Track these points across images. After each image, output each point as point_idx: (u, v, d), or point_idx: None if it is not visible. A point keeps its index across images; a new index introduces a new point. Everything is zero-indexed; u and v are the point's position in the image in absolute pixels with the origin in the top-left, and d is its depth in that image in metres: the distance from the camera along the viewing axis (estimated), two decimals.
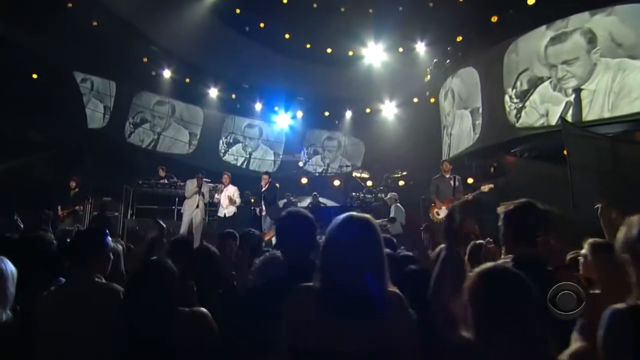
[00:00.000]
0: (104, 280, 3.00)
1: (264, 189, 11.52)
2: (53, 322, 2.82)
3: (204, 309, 2.70)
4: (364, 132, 20.77)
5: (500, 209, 2.75)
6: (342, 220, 2.24)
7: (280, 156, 20.96)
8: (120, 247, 3.87)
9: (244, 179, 13.90)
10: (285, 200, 14.59)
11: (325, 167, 21.12)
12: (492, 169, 14.56)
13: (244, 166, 20.19)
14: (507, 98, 14.20)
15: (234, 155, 20.60)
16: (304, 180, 17.19)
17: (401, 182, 14.98)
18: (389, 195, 12.72)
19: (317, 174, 20.45)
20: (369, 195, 14.19)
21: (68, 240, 4.15)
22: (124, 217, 13.55)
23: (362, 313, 2.03)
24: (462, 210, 2.31)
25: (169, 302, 2.56)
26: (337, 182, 15.87)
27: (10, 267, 2.74)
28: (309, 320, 2.13)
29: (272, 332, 2.16)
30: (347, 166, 17.87)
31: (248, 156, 20.55)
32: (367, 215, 2.29)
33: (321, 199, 16.54)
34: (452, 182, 10.64)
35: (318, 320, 2.10)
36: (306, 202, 16.20)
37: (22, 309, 2.83)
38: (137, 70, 17.36)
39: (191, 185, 11.49)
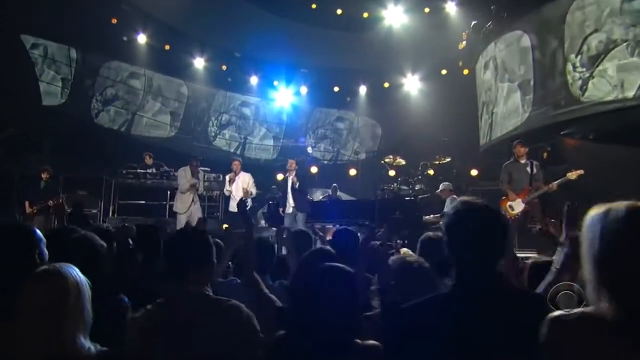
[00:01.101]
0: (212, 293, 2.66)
1: (291, 179, 10.26)
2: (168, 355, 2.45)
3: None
4: (381, 112, 18.69)
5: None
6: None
7: (281, 141, 18.91)
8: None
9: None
10: None
11: (335, 154, 19.27)
12: (544, 155, 12.93)
13: (237, 152, 17.90)
14: (569, 67, 12.24)
15: (226, 140, 18.48)
16: (314, 170, 14.88)
17: (430, 172, 13.07)
18: (441, 187, 11.23)
19: (325, 162, 18.14)
20: (404, 187, 12.62)
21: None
22: (104, 215, 12.38)
23: None
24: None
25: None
26: (353, 171, 14.43)
27: (83, 279, 2.27)
28: None
29: None
30: (365, 153, 16.63)
31: (243, 140, 18.44)
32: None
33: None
34: (528, 169, 9.60)
35: None
36: (318, 196, 14.50)
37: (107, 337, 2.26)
38: (104, 34, 15.10)
39: (184, 175, 10.32)
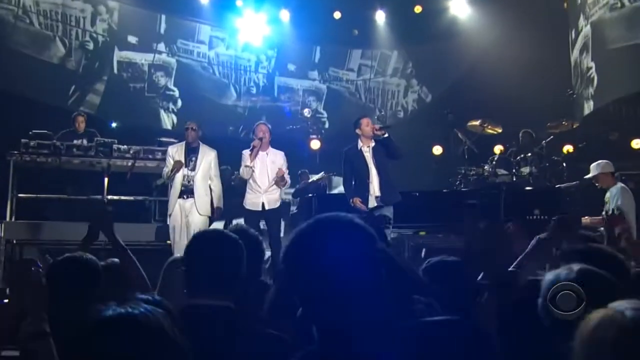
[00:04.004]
0: None
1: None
2: None
3: None
4: (411, 51, 13.71)
5: None
6: None
7: (255, 99, 13.38)
8: None
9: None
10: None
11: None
12: None
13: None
14: None
15: (171, 91, 12.61)
16: (315, 145, 11.17)
17: (499, 148, 9.91)
18: (597, 169, 7.46)
19: (324, 130, 12.99)
20: (503, 172, 9.02)
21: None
22: None
23: None
24: None
25: None
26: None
27: None
28: None
29: None
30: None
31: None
32: None
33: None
34: None
35: None
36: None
37: None
38: None
39: (175, 152, 7.07)
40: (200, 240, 2.27)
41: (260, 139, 7.08)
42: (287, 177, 7.19)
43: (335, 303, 1.37)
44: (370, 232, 1.43)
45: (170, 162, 6.98)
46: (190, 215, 6.84)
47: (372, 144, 6.71)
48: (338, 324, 1.37)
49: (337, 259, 1.35)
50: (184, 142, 7.08)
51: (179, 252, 5.44)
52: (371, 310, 1.37)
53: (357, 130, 6.83)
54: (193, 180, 6.92)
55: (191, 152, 6.97)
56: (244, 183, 8.36)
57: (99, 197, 8.33)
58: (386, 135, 6.70)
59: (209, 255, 2.16)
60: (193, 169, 6.92)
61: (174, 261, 2.89)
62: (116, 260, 2.77)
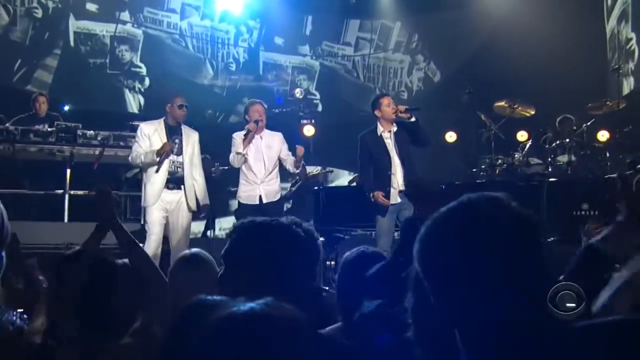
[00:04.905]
0: None
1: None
2: None
3: None
4: (416, 22, 12.39)
5: None
6: None
7: (235, 78, 12.06)
8: None
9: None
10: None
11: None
12: None
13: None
14: None
15: (137, 68, 11.20)
16: (309, 131, 9.84)
17: (522, 136, 9.13)
18: None
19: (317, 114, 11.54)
20: (537, 160, 8.36)
21: None
22: None
23: None
24: None
25: None
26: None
27: None
28: None
29: None
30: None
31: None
32: None
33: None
34: None
35: None
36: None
37: None
38: None
39: (154, 132, 6.24)
40: (251, 233, 1.98)
41: (257, 122, 6.42)
42: (291, 164, 6.64)
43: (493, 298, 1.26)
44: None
45: (145, 145, 6.06)
46: (177, 211, 6.05)
47: (394, 128, 6.10)
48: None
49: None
50: (162, 120, 6.18)
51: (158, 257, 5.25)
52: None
53: (376, 112, 6.19)
54: (182, 167, 6.13)
55: (173, 133, 6.08)
56: (227, 175, 7.86)
57: (60, 191, 7.76)
58: (414, 119, 6.05)
59: (266, 252, 1.90)
60: (180, 153, 6.08)
61: (188, 257, 2.91)
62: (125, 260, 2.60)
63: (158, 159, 5.91)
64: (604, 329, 1.30)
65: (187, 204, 6.10)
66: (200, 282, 2.50)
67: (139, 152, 5.99)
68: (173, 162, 6.12)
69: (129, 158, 6.18)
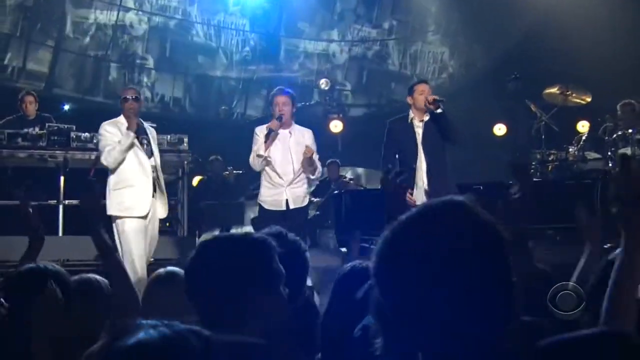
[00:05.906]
0: None
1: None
2: None
3: None
4: (457, 2, 11.61)
5: None
6: None
7: (253, 68, 11.22)
8: None
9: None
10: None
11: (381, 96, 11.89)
12: None
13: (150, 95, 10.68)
14: None
15: (143, 60, 10.54)
16: (336, 127, 9.39)
17: (582, 127, 8.68)
18: None
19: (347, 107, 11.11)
20: (595, 155, 8.02)
21: None
22: None
23: None
24: None
25: None
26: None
27: None
28: None
29: None
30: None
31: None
32: None
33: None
34: None
35: None
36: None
37: None
38: None
39: (116, 130, 5.76)
40: (217, 250, 2.00)
41: (279, 119, 6.00)
42: (317, 162, 6.24)
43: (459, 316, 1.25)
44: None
45: (117, 137, 5.71)
46: (152, 220, 5.73)
47: (426, 117, 5.91)
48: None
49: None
50: (121, 118, 5.71)
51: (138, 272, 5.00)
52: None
53: (408, 99, 6.05)
54: (155, 171, 5.80)
55: (139, 132, 5.65)
56: (242, 180, 7.80)
57: (54, 202, 7.52)
58: (440, 110, 5.81)
59: (230, 270, 1.89)
60: (150, 155, 5.69)
61: (163, 277, 2.88)
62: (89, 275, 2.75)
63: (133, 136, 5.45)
64: (565, 347, 1.32)
65: (162, 211, 5.85)
66: (176, 302, 2.41)
67: (114, 141, 5.45)
68: (154, 166, 5.87)
69: (102, 159, 5.55)
